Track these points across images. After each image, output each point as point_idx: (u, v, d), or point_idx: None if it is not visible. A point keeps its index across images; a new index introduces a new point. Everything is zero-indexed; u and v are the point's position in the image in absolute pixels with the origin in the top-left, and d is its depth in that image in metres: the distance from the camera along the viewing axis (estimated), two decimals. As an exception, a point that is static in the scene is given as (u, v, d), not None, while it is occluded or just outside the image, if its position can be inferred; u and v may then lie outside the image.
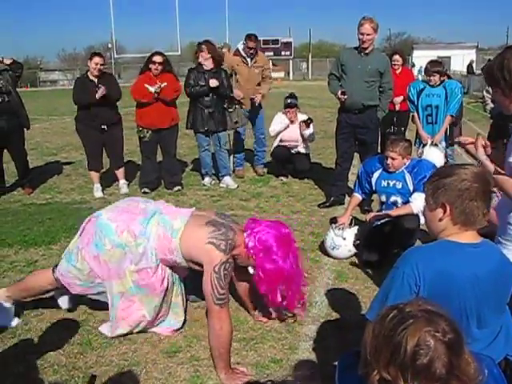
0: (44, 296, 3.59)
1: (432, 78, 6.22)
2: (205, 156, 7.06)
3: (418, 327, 1.29)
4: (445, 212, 1.95)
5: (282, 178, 7.47)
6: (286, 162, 7.49)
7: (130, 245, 3.08)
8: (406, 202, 4.40)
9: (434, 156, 5.96)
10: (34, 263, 4.54)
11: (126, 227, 3.10)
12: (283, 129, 7.39)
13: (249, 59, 7.37)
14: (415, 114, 6.39)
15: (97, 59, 6.46)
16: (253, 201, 6.35)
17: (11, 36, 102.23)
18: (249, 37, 7.33)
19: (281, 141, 7.47)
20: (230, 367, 2.91)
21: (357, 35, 5.63)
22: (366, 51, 5.65)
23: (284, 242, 3.10)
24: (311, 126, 7.30)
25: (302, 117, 7.47)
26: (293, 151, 7.46)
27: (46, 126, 14.87)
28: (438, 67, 6.31)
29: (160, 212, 3.19)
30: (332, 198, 6.08)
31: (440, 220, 1.98)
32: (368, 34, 5.53)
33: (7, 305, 3.44)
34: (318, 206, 6.08)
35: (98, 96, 6.34)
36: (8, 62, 6.73)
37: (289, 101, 7.46)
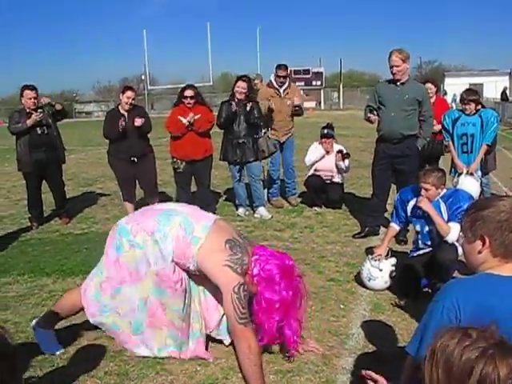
0: (82, 323, 3.65)
1: (467, 106, 6.17)
2: (238, 187, 7.12)
3: (502, 357, 1.28)
4: (484, 244, 1.93)
5: (316, 208, 7.43)
6: (319, 192, 7.46)
7: (148, 243, 3.09)
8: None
9: (470, 185, 5.90)
10: (72, 293, 4.60)
11: (142, 226, 3.14)
12: (319, 159, 7.41)
13: (281, 90, 7.45)
14: (450, 143, 6.34)
15: (129, 93, 6.61)
16: (287, 231, 6.34)
17: (49, 69, 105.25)
18: (279, 66, 7.47)
19: (315, 170, 7.48)
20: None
21: (390, 69, 5.65)
22: (401, 81, 5.65)
23: (287, 274, 3.11)
24: (347, 160, 7.30)
25: (337, 147, 7.46)
26: (327, 181, 7.46)
27: (82, 157, 15.23)
28: (473, 96, 6.26)
29: (183, 213, 3.20)
30: (367, 229, 6.03)
31: (479, 252, 1.95)
32: (397, 66, 5.54)
33: (50, 332, 3.50)
34: (353, 236, 6.03)
35: (137, 124, 6.49)
36: (59, 107, 6.97)
37: (325, 131, 7.49)
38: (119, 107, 6.71)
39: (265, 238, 6.02)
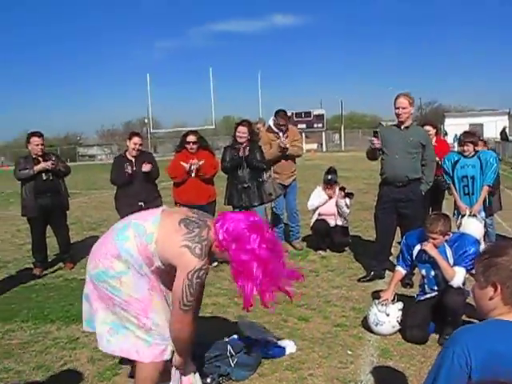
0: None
1: (466, 148, 6.22)
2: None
3: None
4: (495, 291, 1.93)
5: (321, 251, 7.40)
6: (325, 236, 7.46)
7: (127, 265, 2.95)
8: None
9: (473, 227, 5.90)
10: (76, 340, 4.56)
11: (107, 255, 2.97)
12: (322, 204, 7.43)
13: (281, 133, 7.53)
14: (452, 186, 6.37)
15: (136, 139, 6.70)
16: (292, 275, 6.29)
17: (54, 113, 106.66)
18: (278, 113, 7.54)
19: (319, 214, 7.49)
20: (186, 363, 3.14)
21: (394, 110, 5.69)
22: (405, 125, 5.69)
23: (256, 228, 2.95)
24: (349, 200, 7.32)
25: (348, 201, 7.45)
26: (331, 225, 7.46)
27: (86, 201, 15.29)
28: (471, 138, 6.31)
29: (131, 221, 3.08)
30: (372, 273, 5.98)
31: (490, 299, 1.95)
32: (403, 108, 5.59)
33: None
34: (358, 280, 5.99)
35: (145, 170, 6.55)
36: (62, 168, 7.05)
37: (329, 177, 7.46)
38: (126, 153, 6.78)
39: (270, 283, 5.99)
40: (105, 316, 3.04)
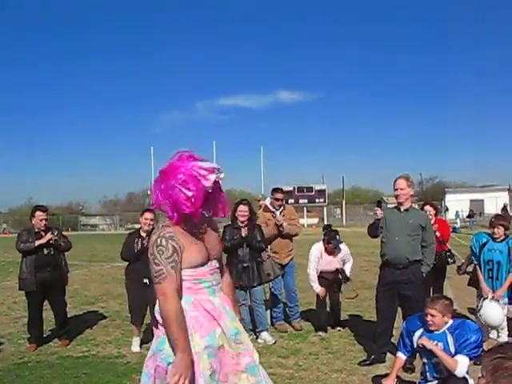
0: None
1: (496, 230, 6.14)
2: (242, 311, 7.01)
3: None
4: (503, 393, 1.88)
5: (321, 332, 7.25)
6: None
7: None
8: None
9: (493, 311, 5.85)
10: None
11: None
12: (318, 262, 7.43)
13: (277, 212, 7.57)
14: (477, 267, 6.26)
15: (147, 215, 6.75)
16: (291, 358, 6.14)
17: (57, 182, 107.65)
18: (275, 190, 7.69)
19: (321, 272, 7.44)
20: (189, 351, 2.82)
21: (393, 192, 5.78)
22: (405, 207, 5.73)
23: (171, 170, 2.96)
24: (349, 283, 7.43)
25: (344, 247, 7.51)
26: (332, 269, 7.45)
27: (85, 273, 15.18)
28: (502, 221, 6.27)
29: None
30: (373, 356, 5.85)
31: None
32: (402, 189, 5.66)
33: None
34: (359, 363, 5.85)
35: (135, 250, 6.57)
36: (62, 243, 7.06)
37: (332, 235, 7.36)
38: (140, 230, 6.81)
39: (269, 366, 5.81)
40: None
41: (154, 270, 2.86)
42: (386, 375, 5.06)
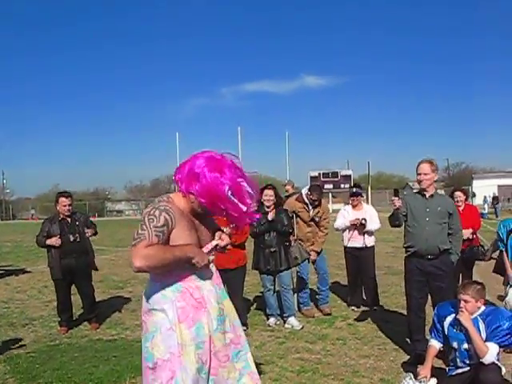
0: None
1: None
2: (269, 296, 7.07)
3: None
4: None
5: (354, 307, 7.70)
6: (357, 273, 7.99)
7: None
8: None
9: None
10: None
11: None
12: (348, 225, 7.87)
13: (311, 207, 7.56)
14: (504, 253, 6.03)
15: None
16: (319, 343, 6.15)
17: (83, 168, 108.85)
18: (313, 189, 7.56)
19: (348, 240, 7.90)
20: (186, 246, 2.95)
21: (416, 177, 5.51)
22: (429, 193, 5.45)
23: (209, 160, 2.97)
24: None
25: (368, 208, 8.23)
26: (359, 245, 7.87)
27: (112, 258, 15.37)
28: None
29: None
30: (417, 354, 5.34)
31: None
32: (425, 174, 5.36)
33: None
34: (402, 365, 5.36)
35: None
36: (91, 234, 7.20)
37: (354, 190, 8.06)
38: None
39: (297, 350, 5.87)
40: None
41: (137, 232, 2.87)
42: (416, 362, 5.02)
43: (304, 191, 7.70)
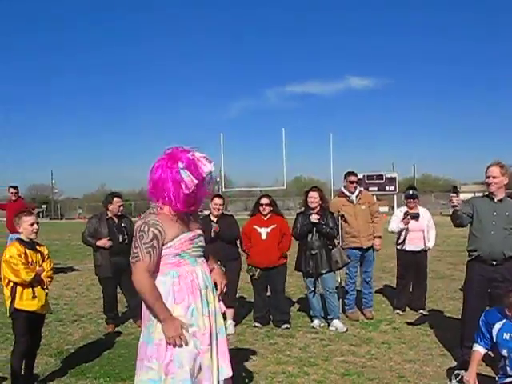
0: None
1: None
2: (312, 298, 7.07)
3: None
4: None
5: (399, 311, 7.64)
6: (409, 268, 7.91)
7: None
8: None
9: None
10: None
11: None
12: (402, 228, 7.77)
13: (353, 196, 7.50)
14: None
15: (217, 200, 6.87)
16: (363, 347, 6.10)
17: (128, 169, 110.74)
18: (348, 173, 7.61)
19: (407, 238, 7.80)
20: (170, 316, 3.15)
21: (485, 180, 5.32)
22: (498, 197, 5.26)
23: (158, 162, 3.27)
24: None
25: (423, 211, 7.97)
26: (418, 248, 7.80)
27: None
28: None
29: None
30: (465, 360, 5.09)
31: None
32: (494, 177, 5.18)
33: None
34: (447, 371, 5.27)
35: (211, 234, 6.67)
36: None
37: (410, 192, 7.91)
38: (210, 215, 6.96)
39: (341, 353, 5.84)
40: None
41: (132, 252, 3.21)
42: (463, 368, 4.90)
43: (342, 185, 7.77)
